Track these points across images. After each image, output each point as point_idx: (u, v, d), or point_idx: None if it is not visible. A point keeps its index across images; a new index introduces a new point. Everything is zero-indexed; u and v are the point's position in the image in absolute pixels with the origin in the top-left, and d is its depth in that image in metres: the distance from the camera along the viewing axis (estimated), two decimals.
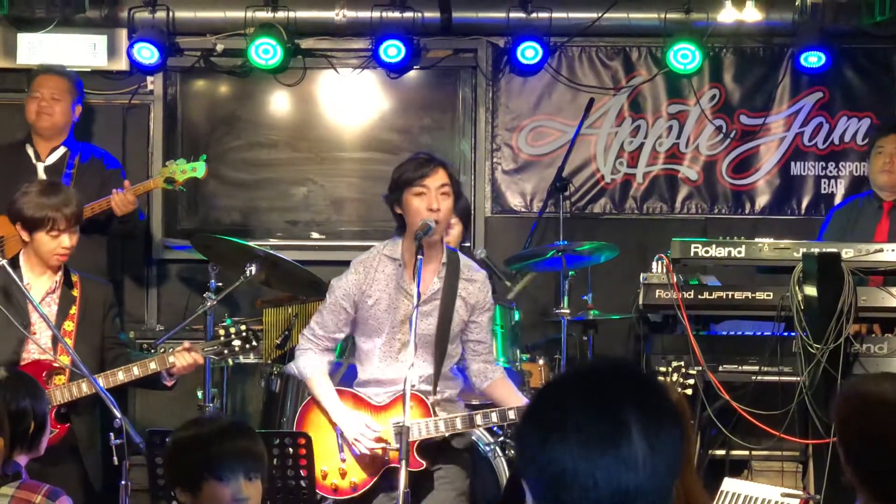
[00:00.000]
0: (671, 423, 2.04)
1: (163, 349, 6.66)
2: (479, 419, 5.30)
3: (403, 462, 4.85)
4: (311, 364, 5.48)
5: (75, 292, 5.80)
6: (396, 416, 5.26)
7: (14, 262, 5.72)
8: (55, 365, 5.64)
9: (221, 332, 5.77)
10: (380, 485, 5.35)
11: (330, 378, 5.55)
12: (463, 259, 5.51)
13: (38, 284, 5.76)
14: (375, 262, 5.45)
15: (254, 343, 5.78)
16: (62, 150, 7.45)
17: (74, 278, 5.88)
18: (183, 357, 5.60)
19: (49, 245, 5.67)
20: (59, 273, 5.80)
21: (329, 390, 5.44)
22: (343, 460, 5.39)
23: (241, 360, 6.27)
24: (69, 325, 5.71)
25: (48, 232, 5.66)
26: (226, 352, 5.76)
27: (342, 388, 5.53)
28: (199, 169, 7.11)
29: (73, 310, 5.76)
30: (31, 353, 5.71)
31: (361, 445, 5.28)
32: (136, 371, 5.60)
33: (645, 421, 2.00)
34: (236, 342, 5.72)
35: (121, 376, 5.59)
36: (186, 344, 5.70)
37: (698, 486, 3.57)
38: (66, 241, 5.70)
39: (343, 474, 5.38)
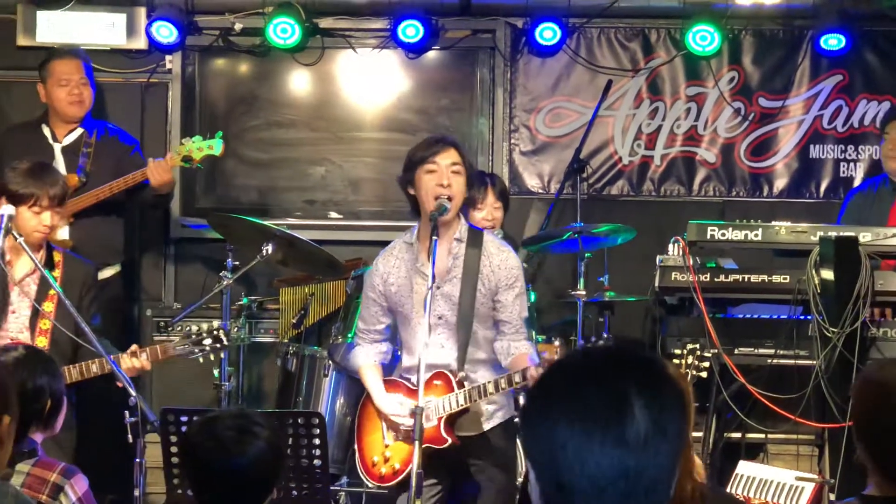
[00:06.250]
0: (674, 404, 2.04)
1: (182, 328, 6.66)
2: (490, 387, 5.29)
3: (417, 443, 4.88)
4: (360, 357, 5.63)
5: (56, 272, 5.81)
6: (427, 397, 5.27)
7: None
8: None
9: (195, 328, 5.79)
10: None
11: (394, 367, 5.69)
12: (486, 237, 5.51)
13: (21, 263, 5.79)
14: (395, 251, 5.53)
15: (225, 342, 5.80)
16: (79, 130, 7.45)
17: (57, 258, 5.92)
18: (127, 361, 5.61)
19: (31, 221, 5.69)
20: (42, 253, 5.82)
21: (374, 378, 5.55)
22: (387, 446, 5.49)
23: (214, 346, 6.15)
24: (48, 306, 5.74)
25: (30, 207, 5.69)
26: (196, 350, 5.77)
27: (394, 378, 5.60)
28: (215, 147, 7.12)
29: (53, 290, 5.78)
30: (8, 331, 5.75)
31: (397, 418, 5.38)
32: (94, 369, 5.63)
33: (648, 401, 2.00)
34: (207, 341, 5.75)
35: (95, 369, 5.60)
36: (134, 347, 5.71)
37: (691, 468, 3.58)
38: (48, 219, 5.72)
39: (386, 460, 5.46)
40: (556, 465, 2.01)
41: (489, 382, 5.29)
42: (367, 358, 5.60)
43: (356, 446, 5.64)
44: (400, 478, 5.42)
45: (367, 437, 5.58)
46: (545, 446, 2.02)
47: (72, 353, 5.72)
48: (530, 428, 2.06)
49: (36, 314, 5.75)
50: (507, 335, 5.46)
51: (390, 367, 5.73)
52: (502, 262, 5.43)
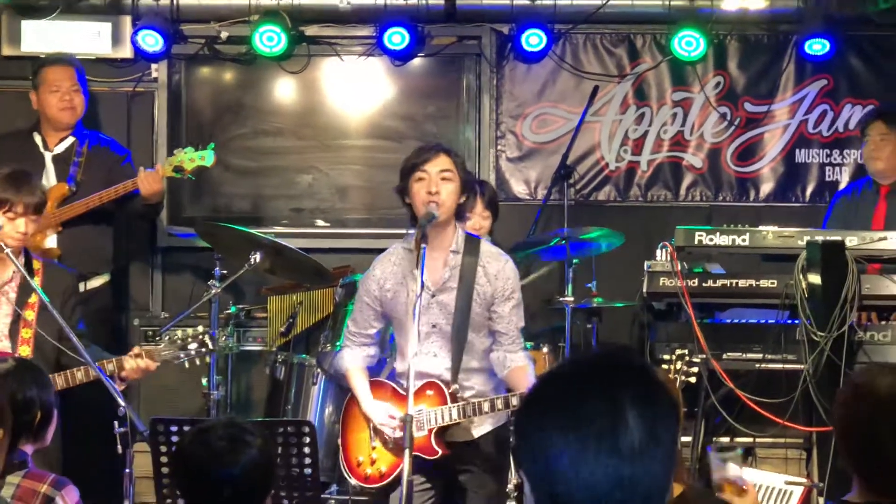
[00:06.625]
0: (667, 411, 2.03)
1: (170, 335, 6.62)
2: (485, 406, 5.30)
3: (407, 451, 4.88)
4: (348, 359, 5.60)
5: (36, 281, 5.80)
6: (419, 406, 5.28)
7: None
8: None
9: (179, 334, 5.78)
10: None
11: (379, 372, 5.70)
12: (484, 246, 5.50)
13: None
14: (393, 256, 5.52)
15: (210, 347, 5.79)
16: (70, 139, 7.44)
17: (37, 266, 5.90)
18: (131, 362, 5.61)
19: (5, 228, 5.69)
20: (20, 261, 5.80)
21: (361, 382, 5.53)
22: (374, 448, 5.47)
23: (195, 361, 6.13)
24: (29, 314, 5.73)
25: (5, 213, 5.68)
26: (181, 355, 5.76)
27: (380, 380, 5.61)
28: (207, 157, 7.12)
29: (34, 298, 5.75)
30: None
31: (386, 428, 5.35)
32: (79, 376, 5.61)
33: (641, 409, 1.99)
34: (192, 345, 5.73)
35: (80, 377, 5.60)
36: (136, 349, 5.70)
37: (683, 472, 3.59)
38: (22, 226, 5.70)
39: (373, 462, 5.46)
40: (550, 477, 1.99)
41: (485, 401, 5.28)
42: (354, 361, 5.59)
43: (340, 442, 5.62)
44: (387, 481, 5.42)
45: (353, 436, 5.56)
46: (539, 457, 2.01)
47: (55, 361, 5.70)
48: (524, 439, 2.04)
49: (16, 322, 5.73)
50: (503, 345, 5.45)
51: (376, 372, 5.73)
52: (499, 273, 5.42)
